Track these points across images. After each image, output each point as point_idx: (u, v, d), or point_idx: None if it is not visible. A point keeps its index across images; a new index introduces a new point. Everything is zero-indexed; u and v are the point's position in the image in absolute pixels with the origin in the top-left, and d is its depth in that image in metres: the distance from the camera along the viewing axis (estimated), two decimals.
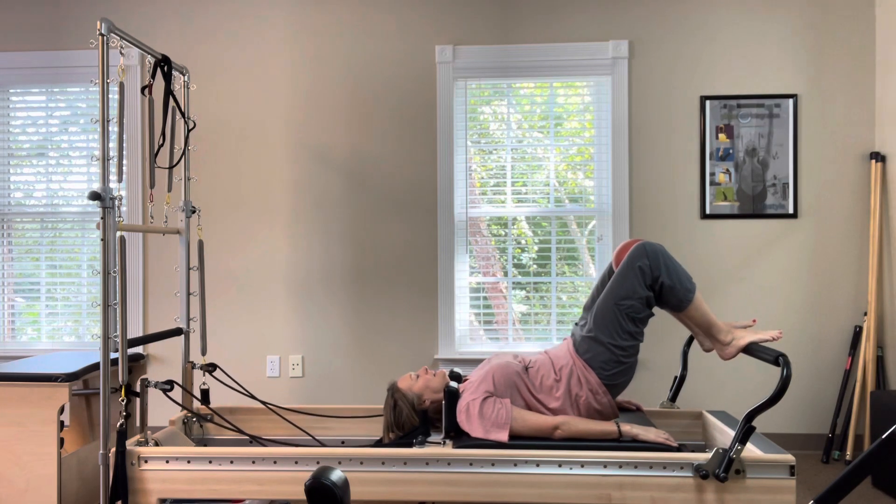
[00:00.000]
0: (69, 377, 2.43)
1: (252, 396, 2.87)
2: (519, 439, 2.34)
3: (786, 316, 3.80)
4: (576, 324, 2.55)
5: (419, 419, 2.53)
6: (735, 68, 3.82)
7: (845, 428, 3.66)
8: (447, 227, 3.90)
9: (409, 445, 2.47)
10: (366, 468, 2.23)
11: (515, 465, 2.20)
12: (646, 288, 2.34)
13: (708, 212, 3.81)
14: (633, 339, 2.38)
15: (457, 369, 2.69)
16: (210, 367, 2.85)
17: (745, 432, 2.07)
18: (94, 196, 2.22)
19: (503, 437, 2.31)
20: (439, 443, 2.43)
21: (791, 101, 3.78)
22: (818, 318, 3.79)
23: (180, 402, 3.04)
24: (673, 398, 2.81)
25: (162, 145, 2.67)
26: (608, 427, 2.34)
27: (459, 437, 2.39)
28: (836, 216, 3.78)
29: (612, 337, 2.37)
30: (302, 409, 2.91)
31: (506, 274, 3.98)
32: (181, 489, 2.28)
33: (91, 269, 4.08)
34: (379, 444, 2.61)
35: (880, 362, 3.66)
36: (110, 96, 2.37)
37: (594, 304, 2.46)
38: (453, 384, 2.44)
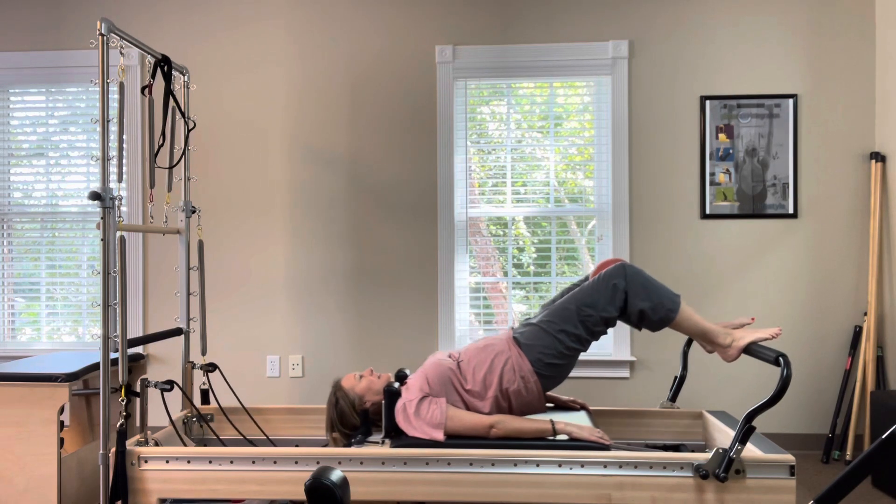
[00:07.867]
0: (69, 377, 2.42)
1: (249, 412, 2.87)
2: (456, 438, 2.35)
3: (786, 316, 3.80)
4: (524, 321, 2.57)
5: (360, 419, 2.54)
6: (735, 68, 3.82)
7: (845, 428, 3.66)
8: (447, 227, 3.90)
9: (349, 445, 2.49)
10: (366, 468, 2.23)
11: (515, 465, 2.20)
12: (612, 307, 2.36)
13: (708, 212, 3.81)
14: (579, 343, 2.41)
15: (407, 370, 2.71)
16: (210, 367, 2.85)
17: (745, 432, 2.07)
18: (94, 196, 2.21)
19: (439, 436, 2.33)
20: (378, 442, 2.44)
21: (791, 101, 3.78)
22: (818, 318, 3.79)
23: (180, 403, 3.03)
24: (673, 398, 2.81)
25: (162, 145, 2.67)
26: (542, 425, 2.36)
27: (399, 436, 2.40)
28: (836, 216, 3.78)
29: (560, 332, 2.40)
30: (298, 409, 2.91)
31: (505, 274, 3.98)
32: (181, 489, 2.28)
33: (91, 268, 4.08)
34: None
35: (880, 362, 3.66)
36: (110, 96, 2.37)
37: (554, 302, 2.51)
38: (395, 384, 2.46)
